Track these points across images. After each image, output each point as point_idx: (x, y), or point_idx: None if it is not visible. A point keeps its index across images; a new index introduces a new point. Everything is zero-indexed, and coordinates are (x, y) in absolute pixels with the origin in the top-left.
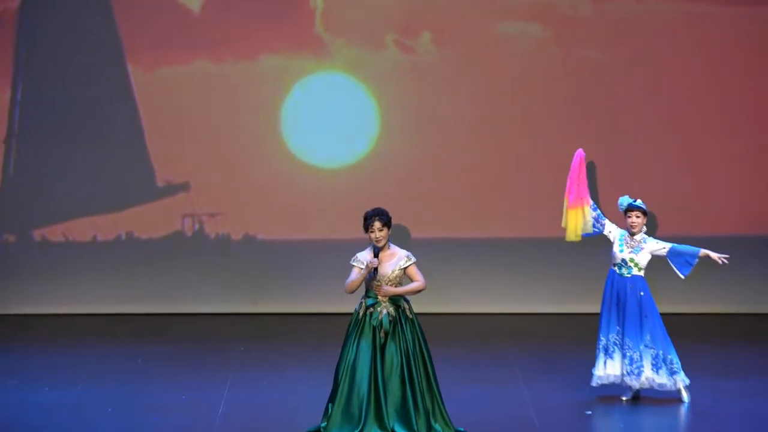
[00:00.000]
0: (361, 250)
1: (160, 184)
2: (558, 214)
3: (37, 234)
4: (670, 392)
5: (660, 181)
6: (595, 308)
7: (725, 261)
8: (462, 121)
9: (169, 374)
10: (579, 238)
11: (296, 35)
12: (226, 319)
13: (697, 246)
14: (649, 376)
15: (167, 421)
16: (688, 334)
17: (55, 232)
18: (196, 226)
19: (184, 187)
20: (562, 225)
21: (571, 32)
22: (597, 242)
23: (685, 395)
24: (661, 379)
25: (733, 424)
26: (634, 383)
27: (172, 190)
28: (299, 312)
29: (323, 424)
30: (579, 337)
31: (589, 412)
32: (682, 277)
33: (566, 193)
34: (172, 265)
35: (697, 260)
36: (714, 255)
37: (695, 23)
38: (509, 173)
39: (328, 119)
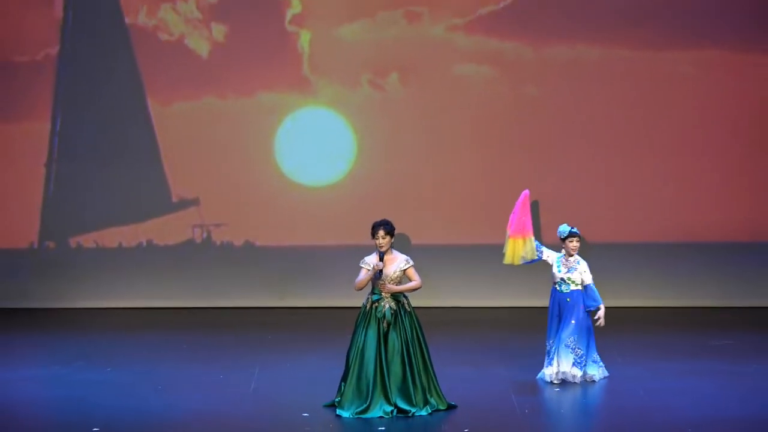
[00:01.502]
0: (344, 254)
1: (174, 199)
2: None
3: (72, 241)
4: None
5: (591, 195)
6: None
7: (600, 323)
8: (424, 146)
9: (207, 358)
10: (516, 263)
11: (287, 76)
12: (228, 311)
13: (624, 252)
14: (566, 370)
15: (208, 396)
16: (632, 324)
17: (87, 240)
18: (205, 235)
19: (195, 202)
20: (503, 251)
21: (516, 73)
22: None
23: (595, 379)
24: (574, 372)
25: (676, 398)
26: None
27: (184, 204)
28: (307, 306)
29: (337, 399)
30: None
31: (557, 389)
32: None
33: (508, 224)
34: (185, 267)
35: (594, 308)
36: (600, 314)
37: (617, 65)
38: (465, 190)
39: (314, 146)
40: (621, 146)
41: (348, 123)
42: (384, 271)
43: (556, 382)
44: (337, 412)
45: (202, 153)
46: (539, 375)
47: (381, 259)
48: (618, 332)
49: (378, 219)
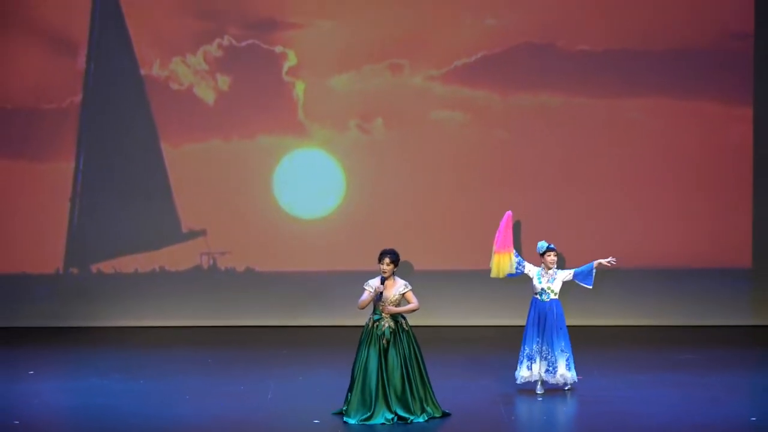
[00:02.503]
0: (336, 279)
1: (184, 230)
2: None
3: (94, 267)
4: (574, 384)
5: (560, 227)
6: None
7: (613, 262)
8: (406, 183)
9: (229, 371)
10: (501, 276)
11: (284, 121)
12: (232, 330)
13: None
14: (563, 373)
15: (230, 404)
16: (605, 341)
17: (107, 266)
18: (211, 261)
19: (203, 232)
20: (489, 266)
21: (486, 118)
22: None
23: (572, 383)
24: (567, 374)
25: (648, 406)
26: (551, 380)
27: (193, 235)
28: (296, 325)
29: (344, 408)
30: None
31: (540, 398)
32: (590, 287)
33: (494, 242)
34: (193, 290)
35: (594, 271)
36: (604, 261)
37: (577, 111)
38: (442, 221)
39: (308, 182)
40: (585, 183)
41: (338, 162)
42: (384, 294)
43: (551, 381)
44: (344, 419)
45: (208, 189)
46: (518, 380)
47: (382, 282)
48: (593, 348)
49: (365, 247)
